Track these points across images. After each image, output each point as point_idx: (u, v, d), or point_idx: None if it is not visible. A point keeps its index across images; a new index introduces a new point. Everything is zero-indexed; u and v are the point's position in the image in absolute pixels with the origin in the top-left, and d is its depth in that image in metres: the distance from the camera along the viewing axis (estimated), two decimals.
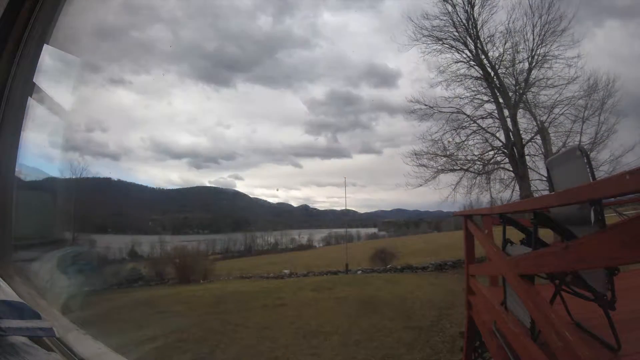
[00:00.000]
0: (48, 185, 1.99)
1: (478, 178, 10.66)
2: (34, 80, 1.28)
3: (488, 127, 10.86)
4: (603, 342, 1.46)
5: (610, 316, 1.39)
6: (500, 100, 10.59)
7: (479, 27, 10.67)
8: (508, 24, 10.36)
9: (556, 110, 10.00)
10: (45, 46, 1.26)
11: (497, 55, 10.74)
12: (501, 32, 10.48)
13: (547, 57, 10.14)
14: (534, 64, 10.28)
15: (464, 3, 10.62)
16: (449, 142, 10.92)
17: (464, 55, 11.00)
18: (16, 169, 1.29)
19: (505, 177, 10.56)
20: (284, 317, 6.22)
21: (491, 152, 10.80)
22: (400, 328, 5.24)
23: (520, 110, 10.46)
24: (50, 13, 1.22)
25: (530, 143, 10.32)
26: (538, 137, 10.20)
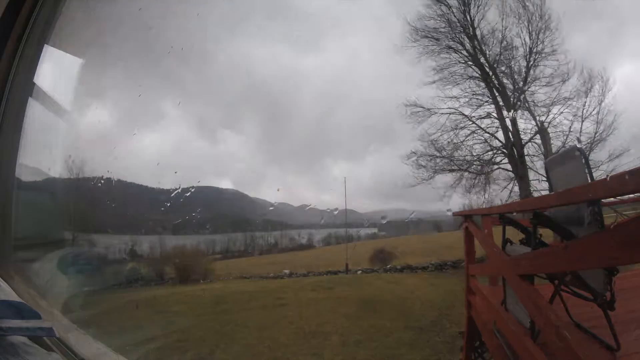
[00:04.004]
0: (48, 185, 1.99)
1: (477, 178, 10.66)
2: (34, 80, 1.28)
3: (487, 128, 10.86)
4: (602, 342, 1.46)
5: (609, 316, 1.39)
6: (499, 100, 10.60)
7: (475, 26, 10.67)
8: (503, 22, 10.36)
9: (555, 110, 10.00)
10: (45, 46, 1.26)
11: (494, 54, 10.74)
12: (498, 31, 10.49)
13: (544, 56, 10.14)
14: (531, 62, 10.29)
15: (459, 3, 10.61)
16: (447, 142, 10.92)
17: (462, 55, 11.00)
18: (16, 169, 1.29)
19: (505, 178, 10.55)
20: (284, 317, 6.22)
21: (490, 153, 10.80)
22: (400, 328, 5.24)
23: (520, 110, 10.45)
24: (50, 13, 1.22)
25: (529, 143, 10.32)
26: (537, 137, 10.20)
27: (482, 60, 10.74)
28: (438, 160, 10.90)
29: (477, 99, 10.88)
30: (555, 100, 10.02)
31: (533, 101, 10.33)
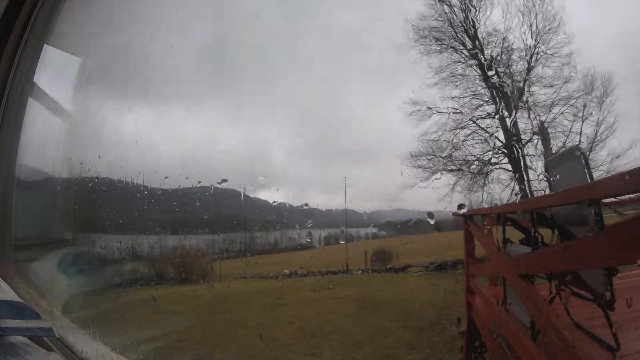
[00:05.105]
0: (48, 185, 1.99)
1: (477, 178, 10.64)
2: (34, 80, 1.28)
3: (487, 128, 10.84)
4: (602, 342, 1.46)
5: (609, 316, 1.39)
6: (500, 100, 10.58)
7: (477, 26, 10.65)
8: (505, 22, 10.34)
9: (555, 110, 9.97)
10: (45, 46, 1.26)
11: (496, 54, 10.72)
12: (499, 30, 10.47)
13: (545, 56, 10.11)
14: (532, 62, 10.27)
15: (461, 3, 10.59)
16: (447, 142, 10.89)
17: (463, 55, 10.98)
18: (16, 169, 1.29)
19: (505, 178, 10.52)
20: (284, 317, 6.22)
21: (490, 153, 10.78)
22: (400, 328, 5.24)
23: (520, 110, 10.44)
24: (50, 13, 1.22)
25: (529, 143, 10.30)
26: (537, 137, 10.18)
27: (483, 60, 10.73)
28: (438, 160, 10.89)
29: (477, 99, 10.88)
30: (556, 100, 10.01)
31: (534, 101, 10.33)
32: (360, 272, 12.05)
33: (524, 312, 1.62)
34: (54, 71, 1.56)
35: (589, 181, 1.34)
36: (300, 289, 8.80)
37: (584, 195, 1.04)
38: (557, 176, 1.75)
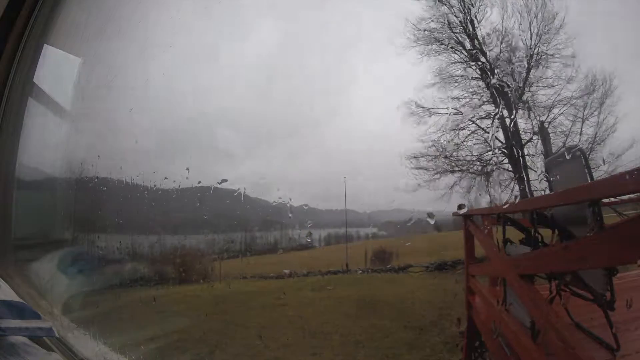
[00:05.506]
0: (48, 185, 1.99)
1: (477, 178, 10.64)
2: (34, 80, 1.28)
3: (487, 128, 10.85)
4: (602, 342, 1.46)
5: (609, 316, 1.39)
6: (500, 100, 10.58)
7: (476, 26, 10.65)
8: (504, 22, 10.34)
9: (555, 110, 9.97)
10: (45, 46, 1.26)
11: (495, 55, 10.72)
12: (499, 31, 10.47)
13: (545, 57, 10.12)
14: (532, 63, 10.27)
15: (459, 3, 10.60)
16: (447, 143, 10.89)
17: (462, 56, 10.98)
18: (16, 169, 1.29)
19: (505, 178, 10.52)
20: (284, 317, 6.21)
21: (490, 153, 10.77)
22: (400, 328, 5.24)
23: (520, 110, 10.44)
24: (50, 13, 1.22)
25: (529, 143, 10.29)
26: (537, 137, 10.17)
27: (483, 60, 10.72)
28: (439, 160, 10.88)
29: (477, 99, 10.87)
30: (556, 100, 9.99)
31: (533, 102, 10.32)
32: (360, 272, 12.02)
33: (524, 312, 1.62)
34: (54, 71, 1.56)
35: (589, 181, 1.34)
36: (301, 289, 8.79)
37: (584, 195, 1.04)
38: (557, 176, 1.76)
